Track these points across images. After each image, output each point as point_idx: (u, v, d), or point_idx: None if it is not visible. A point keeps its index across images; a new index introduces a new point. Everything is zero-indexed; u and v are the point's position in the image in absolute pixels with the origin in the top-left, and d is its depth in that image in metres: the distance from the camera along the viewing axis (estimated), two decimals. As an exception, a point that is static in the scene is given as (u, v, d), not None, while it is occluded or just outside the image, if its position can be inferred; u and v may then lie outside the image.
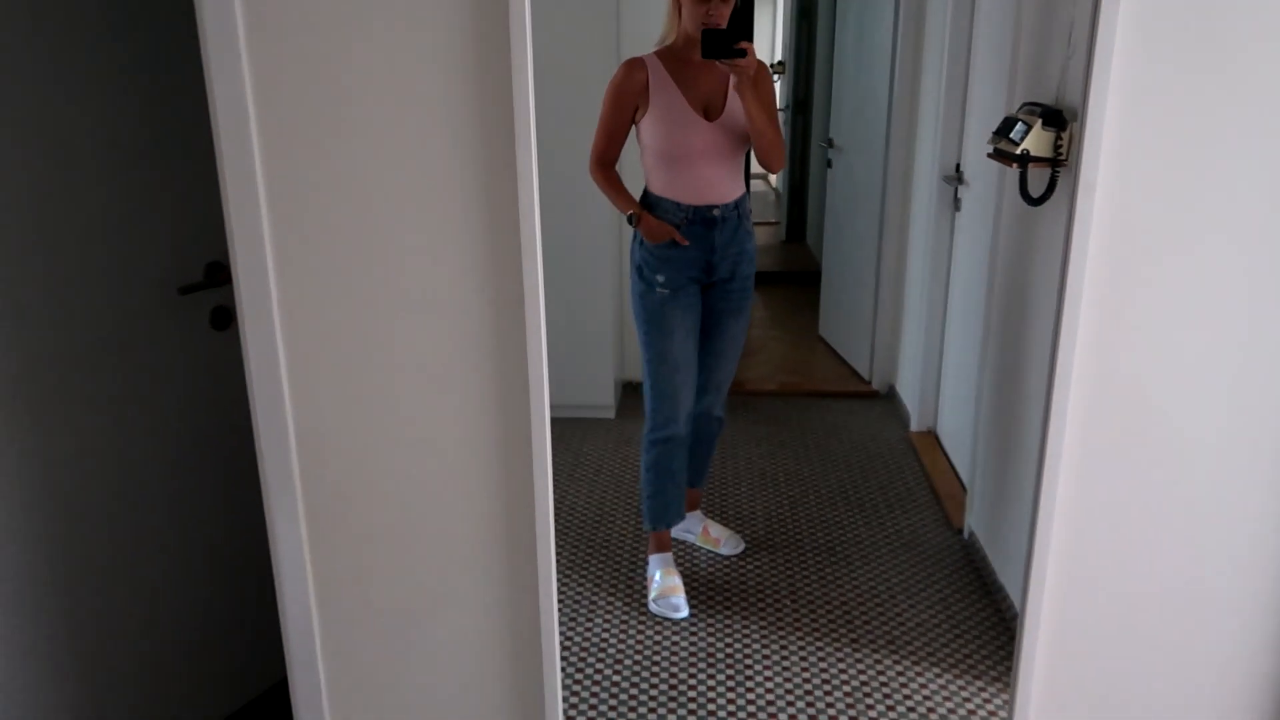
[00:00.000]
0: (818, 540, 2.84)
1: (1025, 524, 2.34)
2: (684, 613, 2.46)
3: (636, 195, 2.42)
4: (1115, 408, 1.74)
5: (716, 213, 2.34)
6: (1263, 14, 1.55)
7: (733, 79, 2.24)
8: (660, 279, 2.38)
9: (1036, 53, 2.33)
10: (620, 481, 3.25)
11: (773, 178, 9.33)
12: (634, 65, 2.30)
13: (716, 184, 2.33)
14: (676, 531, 2.82)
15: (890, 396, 4.02)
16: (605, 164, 2.39)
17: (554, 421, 3.73)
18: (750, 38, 2.17)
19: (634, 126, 2.36)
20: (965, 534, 2.86)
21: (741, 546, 2.78)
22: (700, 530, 2.82)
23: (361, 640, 1.77)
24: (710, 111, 2.30)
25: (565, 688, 2.21)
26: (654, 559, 2.58)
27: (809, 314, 5.10)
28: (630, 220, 2.39)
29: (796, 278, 6.01)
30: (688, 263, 2.37)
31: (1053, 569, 1.85)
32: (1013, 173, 2.37)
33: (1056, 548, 1.83)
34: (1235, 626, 1.85)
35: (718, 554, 2.76)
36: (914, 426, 3.63)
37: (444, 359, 1.62)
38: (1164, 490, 1.79)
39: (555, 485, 3.23)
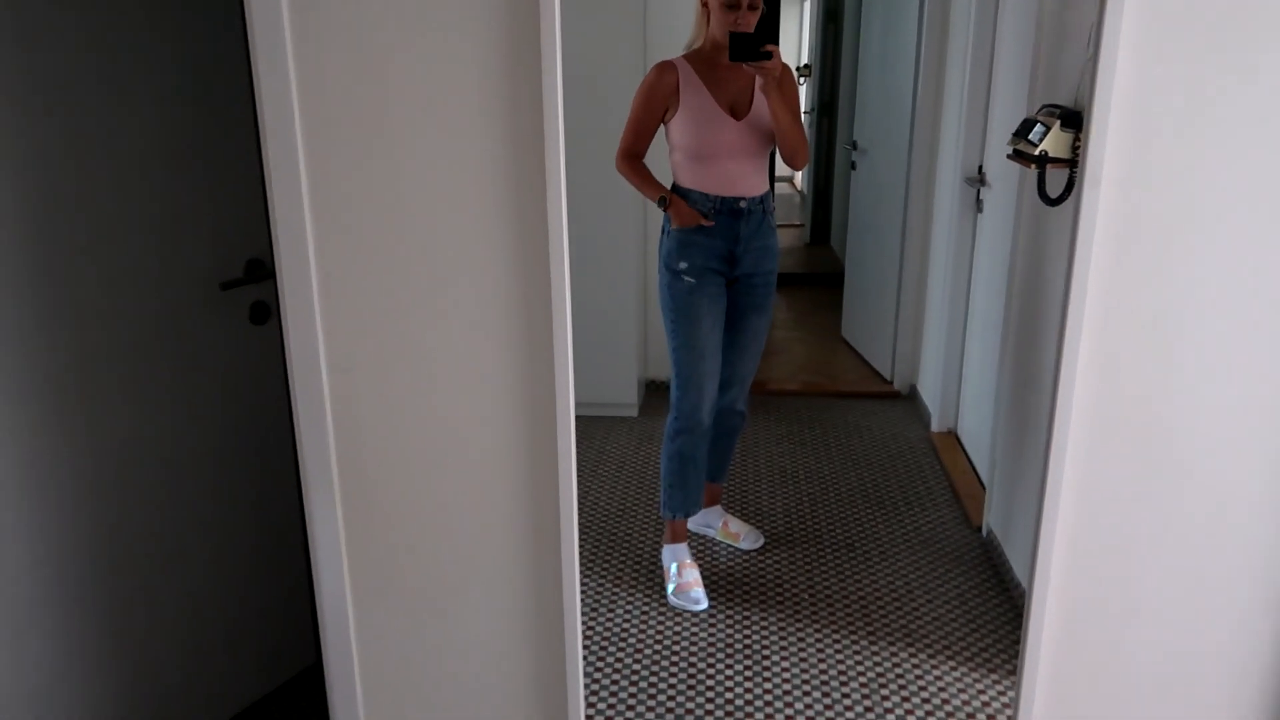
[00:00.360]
0: (836, 536, 2.88)
1: (1031, 519, 2.36)
2: (704, 605, 2.51)
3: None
4: (1121, 402, 1.78)
5: (744, 204, 2.43)
6: (1271, 9, 1.58)
7: (759, 80, 2.32)
8: (684, 265, 2.45)
9: (1056, 55, 2.36)
10: (642, 478, 3.30)
11: (798, 179, 9.35)
12: (665, 67, 2.40)
13: (743, 178, 2.42)
14: (696, 525, 2.88)
15: (912, 397, 4.04)
16: (632, 157, 2.48)
17: (578, 419, 3.79)
18: (776, 41, 2.30)
19: (662, 126, 2.46)
20: (984, 532, 2.88)
21: (761, 541, 2.82)
22: (720, 525, 2.86)
23: (392, 626, 1.84)
24: (737, 111, 2.39)
25: (587, 675, 2.27)
26: (669, 549, 2.64)
27: (832, 315, 5.13)
28: (661, 204, 2.47)
29: (820, 279, 6.03)
30: (712, 251, 2.45)
31: (1058, 561, 1.88)
32: (1032, 174, 2.40)
33: (1062, 541, 1.86)
34: (1238, 621, 1.88)
35: (737, 548, 2.81)
36: (935, 427, 3.65)
37: (475, 357, 1.69)
38: (1169, 486, 1.82)
39: (579, 481, 3.29)
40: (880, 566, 2.71)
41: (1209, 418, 1.78)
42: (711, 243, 2.44)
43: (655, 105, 2.41)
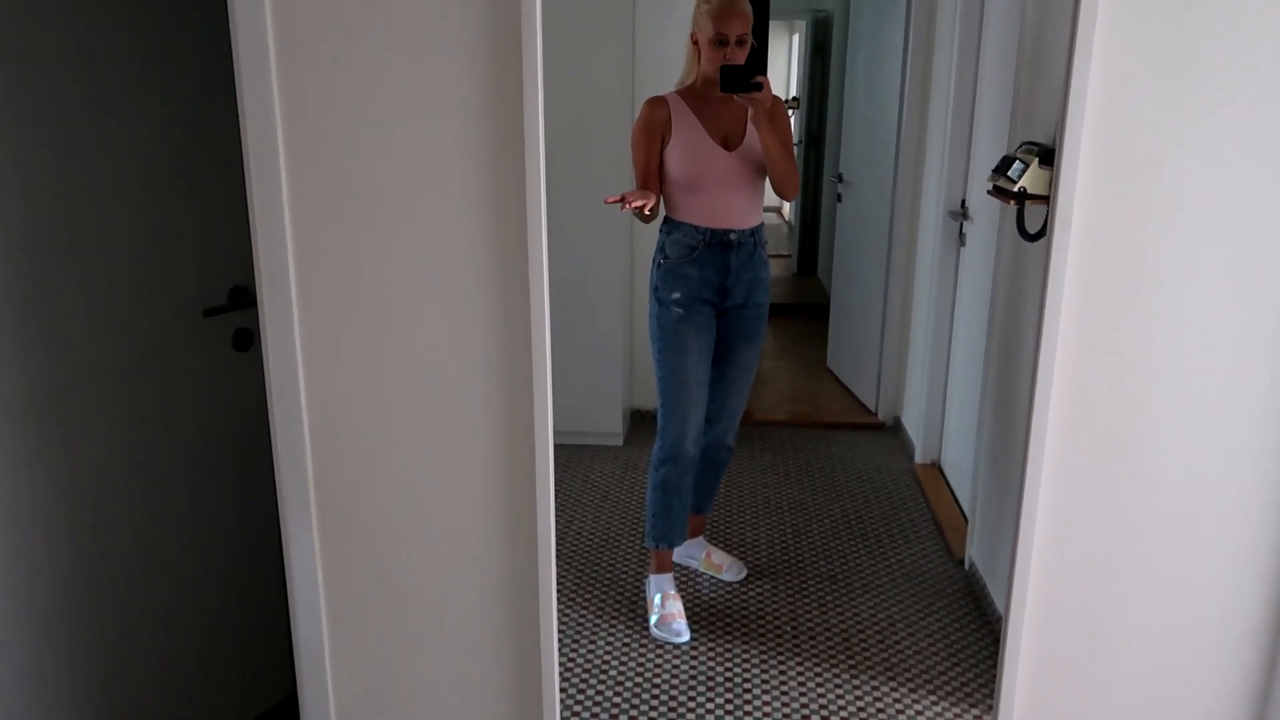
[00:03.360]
0: (820, 569, 2.88)
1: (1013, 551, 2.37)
2: (685, 637, 2.49)
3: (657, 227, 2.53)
4: (1092, 435, 1.80)
5: (733, 237, 2.45)
6: (1239, 51, 1.62)
7: (750, 111, 2.36)
8: (675, 296, 2.46)
9: (1034, 93, 2.40)
10: (626, 508, 3.30)
11: (786, 210, 9.43)
12: (656, 102, 2.46)
13: (734, 210, 2.45)
14: (679, 556, 2.87)
15: (896, 429, 4.06)
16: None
17: (563, 448, 3.81)
18: (764, 73, 2.35)
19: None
20: (966, 564, 2.89)
21: (744, 573, 2.82)
22: (703, 556, 2.85)
23: (369, 655, 1.82)
24: (730, 142, 2.43)
25: (566, 708, 2.25)
26: (654, 579, 2.63)
27: (818, 346, 5.16)
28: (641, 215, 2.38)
29: (807, 310, 6.07)
30: (702, 282, 2.46)
31: (1034, 588, 1.89)
32: (1012, 209, 2.43)
33: (1038, 569, 1.88)
34: (1215, 644, 1.89)
35: (720, 579, 2.80)
36: (918, 459, 3.67)
37: (454, 387, 1.69)
38: (1142, 515, 1.84)
39: (562, 510, 3.30)
40: (863, 599, 2.71)
41: (1180, 448, 1.80)
42: (702, 274, 2.46)
43: (654, 135, 2.44)
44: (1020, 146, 2.28)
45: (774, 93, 2.33)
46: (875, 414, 4.17)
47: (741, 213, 2.46)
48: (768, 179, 2.48)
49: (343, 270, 1.62)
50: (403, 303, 1.63)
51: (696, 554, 2.87)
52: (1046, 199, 2.12)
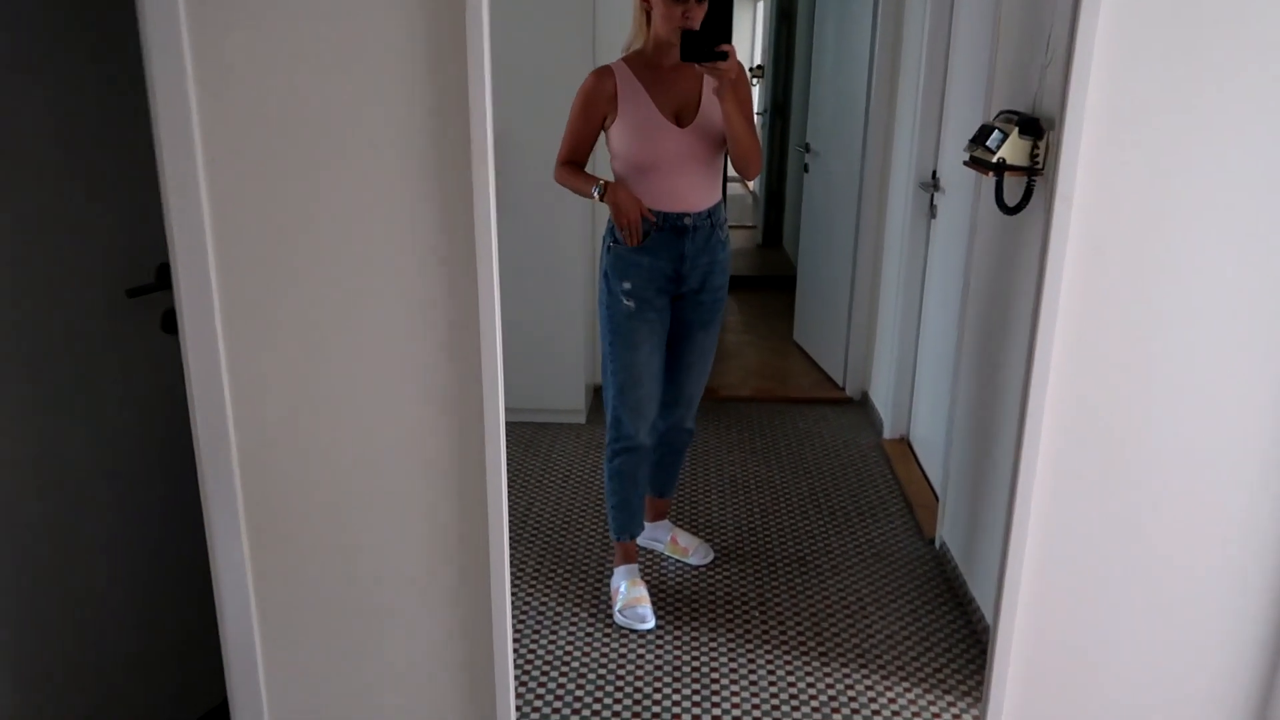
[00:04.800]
0: (788, 550, 2.80)
1: (997, 535, 2.32)
2: (650, 623, 2.41)
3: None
4: (1089, 422, 1.72)
5: (688, 221, 2.27)
6: (1247, 21, 1.53)
7: (709, 83, 2.17)
8: (626, 286, 2.30)
9: (1014, 60, 2.30)
10: (589, 488, 3.20)
11: (751, 181, 9.31)
12: (602, 74, 2.23)
13: (688, 192, 2.26)
14: (644, 540, 2.77)
15: (864, 403, 3.99)
16: (569, 166, 2.32)
17: (523, 426, 3.70)
18: (729, 40, 2.11)
19: (604, 133, 2.30)
20: (937, 544, 2.83)
21: (710, 556, 2.74)
22: (669, 539, 2.77)
23: (305, 659, 1.71)
24: (682, 118, 2.23)
25: (526, 702, 2.16)
26: (620, 570, 2.54)
27: (784, 319, 5.08)
28: (600, 194, 2.26)
29: (773, 282, 5.98)
30: (656, 271, 2.29)
31: (1026, 586, 1.81)
32: (989, 181, 2.35)
33: (1030, 565, 1.80)
34: (1209, 644, 1.83)
35: (686, 563, 2.72)
36: (887, 434, 3.61)
37: (394, 367, 1.56)
38: (1139, 506, 1.76)
39: (521, 492, 3.20)
40: (832, 581, 2.64)
41: (1182, 442, 1.72)
42: (654, 262, 2.29)
43: (592, 114, 2.24)
44: (999, 115, 2.19)
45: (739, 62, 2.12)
46: (843, 388, 4.10)
47: (697, 194, 2.27)
48: (727, 155, 2.30)
49: (269, 245, 1.48)
50: (337, 282, 1.50)
51: (661, 537, 2.78)
52: (1026, 170, 2.04)
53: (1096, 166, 1.58)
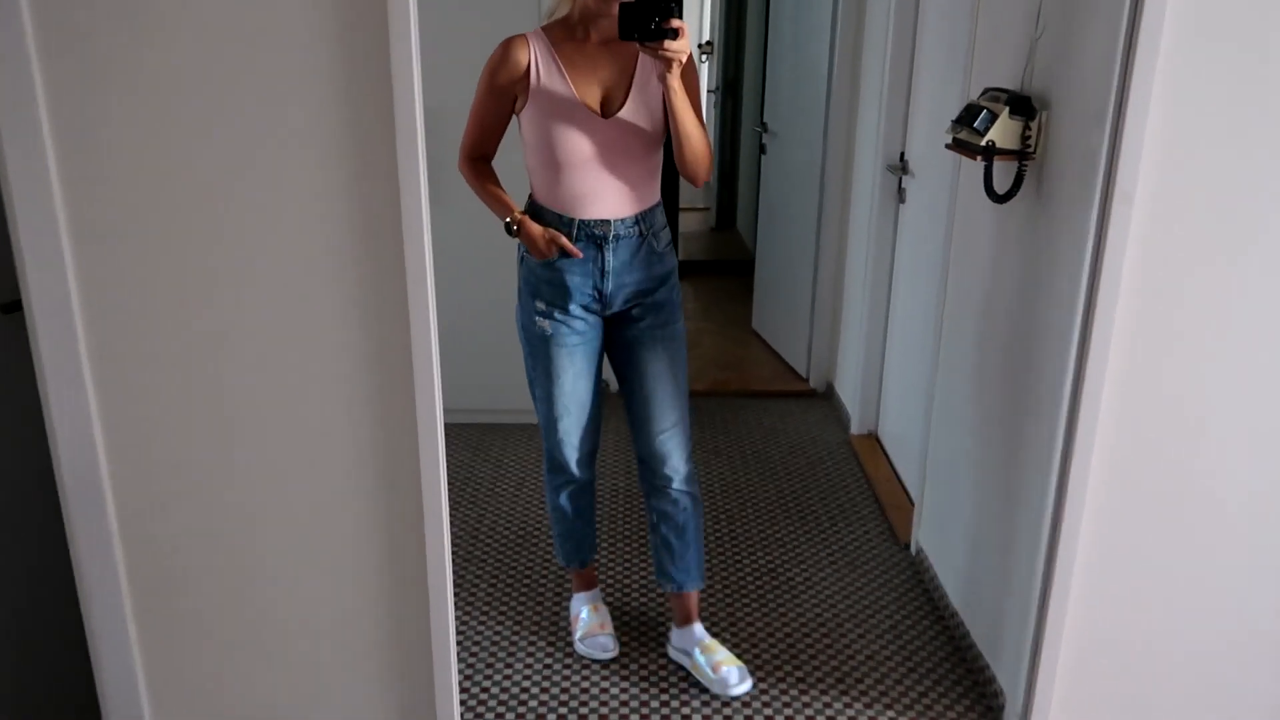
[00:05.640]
0: (758, 561, 2.63)
1: (977, 543, 2.16)
2: (613, 652, 2.21)
3: (520, 201, 1.99)
4: (1144, 445, 1.57)
5: (608, 230, 1.89)
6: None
7: (647, 64, 1.82)
8: (540, 305, 1.96)
9: (997, 32, 2.12)
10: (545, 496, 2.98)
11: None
12: (514, 45, 1.83)
13: (608, 195, 1.88)
14: (674, 654, 2.20)
15: (829, 395, 3.83)
16: (475, 159, 1.97)
17: (469, 428, 3.47)
18: (679, 14, 1.76)
19: (515, 118, 1.93)
20: (913, 549, 2.68)
21: (748, 683, 2.08)
22: (696, 651, 2.13)
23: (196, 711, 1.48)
24: (607, 105, 1.85)
25: (480, 749, 1.95)
26: (577, 597, 2.32)
27: (741, 305, 4.90)
28: (509, 229, 1.93)
29: (727, 266, 5.80)
30: (572, 288, 1.93)
31: (1068, 635, 1.66)
32: (969, 164, 2.17)
33: (1072, 628, 1.65)
34: (1270, 687, 1.70)
35: (647, 588, 2.52)
36: (854, 429, 3.45)
37: (306, 365, 1.34)
38: (1192, 552, 1.63)
39: (471, 503, 2.97)
40: (806, 595, 2.47)
41: (1239, 480, 1.58)
42: (568, 280, 1.92)
43: (500, 94, 1.86)
44: (984, 93, 2.01)
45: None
46: (806, 380, 3.94)
47: (621, 197, 1.88)
48: (668, 153, 1.91)
49: (143, 249, 1.24)
50: (237, 300, 1.27)
51: (688, 648, 2.16)
52: (1018, 154, 1.86)
53: (1161, 162, 1.40)
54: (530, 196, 1.97)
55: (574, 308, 1.95)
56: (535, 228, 1.90)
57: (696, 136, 1.85)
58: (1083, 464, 1.67)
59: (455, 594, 2.45)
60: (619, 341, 2.02)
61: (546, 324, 1.96)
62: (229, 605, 1.44)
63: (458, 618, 2.37)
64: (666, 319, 2.00)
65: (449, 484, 3.01)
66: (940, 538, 2.49)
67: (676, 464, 2.04)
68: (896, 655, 2.24)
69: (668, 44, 1.66)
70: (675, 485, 2.05)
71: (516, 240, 1.96)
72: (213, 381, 1.33)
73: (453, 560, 2.59)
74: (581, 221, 1.89)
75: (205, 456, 1.36)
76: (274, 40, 1.20)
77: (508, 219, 1.93)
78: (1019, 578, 1.93)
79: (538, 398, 2.05)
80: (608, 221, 1.89)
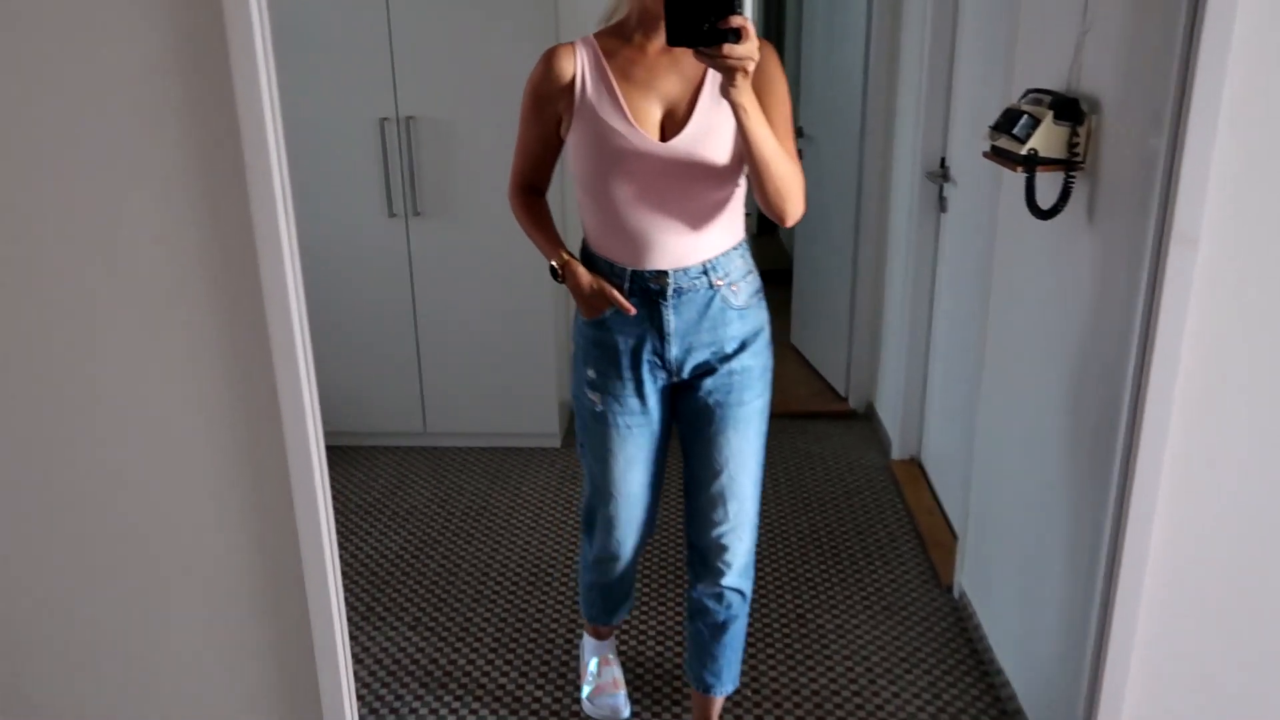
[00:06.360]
0: (786, 604, 2.43)
1: (1029, 591, 1.93)
2: (626, 713, 2.04)
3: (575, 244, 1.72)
4: (1206, 507, 1.36)
5: (664, 284, 1.56)
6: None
7: (716, 78, 1.42)
8: (590, 374, 1.66)
9: (1041, 27, 1.91)
10: (563, 527, 2.83)
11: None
12: (557, 54, 1.53)
13: (665, 239, 1.54)
14: None
15: (869, 416, 3.61)
16: (525, 192, 1.69)
17: (488, 453, 3.32)
18: (740, 10, 1.30)
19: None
20: (956, 593, 2.46)
21: None
22: None
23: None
24: (668, 127, 1.52)
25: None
26: (588, 644, 2.15)
27: (780, 317, 4.68)
28: (554, 273, 1.65)
29: (766, 276, 5.54)
30: (626, 354, 1.62)
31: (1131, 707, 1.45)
32: (1012, 173, 1.95)
33: (1136, 677, 1.44)
34: None
35: (666, 634, 2.34)
36: (895, 454, 3.23)
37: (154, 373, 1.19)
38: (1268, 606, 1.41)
39: (485, 535, 2.81)
40: (837, 646, 2.27)
41: None
42: (623, 343, 1.61)
43: (544, 114, 1.57)
44: (1025, 96, 1.80)
45: (761, 39, 1.37)
46: (846, 399, 3.72)
47: (681, 243, 1.55)
48: (744, 182, 1.58)
49: None
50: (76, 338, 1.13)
51: None
52: (1063, 163, 1.65)
53: (1230, 195, 1.20)
54: (583, 244, 1.67)
55: (629, 380, 1.63)
56: (583, 275, 1.60)
57: (780, 166, 1.46)
58: (1143, 512, 1.46)
59: (460, 636, 2.31)
60: (684, 412, 1.69)
61: (597, 397, 1.65)
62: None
63: (462, 660, 2.22)
64: (746, 394, 1.65)
65: (463, 515, 2.88)
66: (985, 581, 2.27)
67: (734, 557, 1.73)
68: (935, 716, 2.03)
69: (728, 49, 1.29)
70: (727, 580, 1.74)
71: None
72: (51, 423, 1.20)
73: (461, 599, 2.45)
74: (634, 272, 1.57)
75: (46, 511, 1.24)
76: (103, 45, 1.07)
77: (553, 262, 1.65)
78: (1072, 637, 1.71)
79: (586, 476, 1.78)
80: (664, 273, 1.56)
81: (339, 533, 2.80)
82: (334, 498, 2.99)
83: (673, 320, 1.59)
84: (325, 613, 1.40)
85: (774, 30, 6.30)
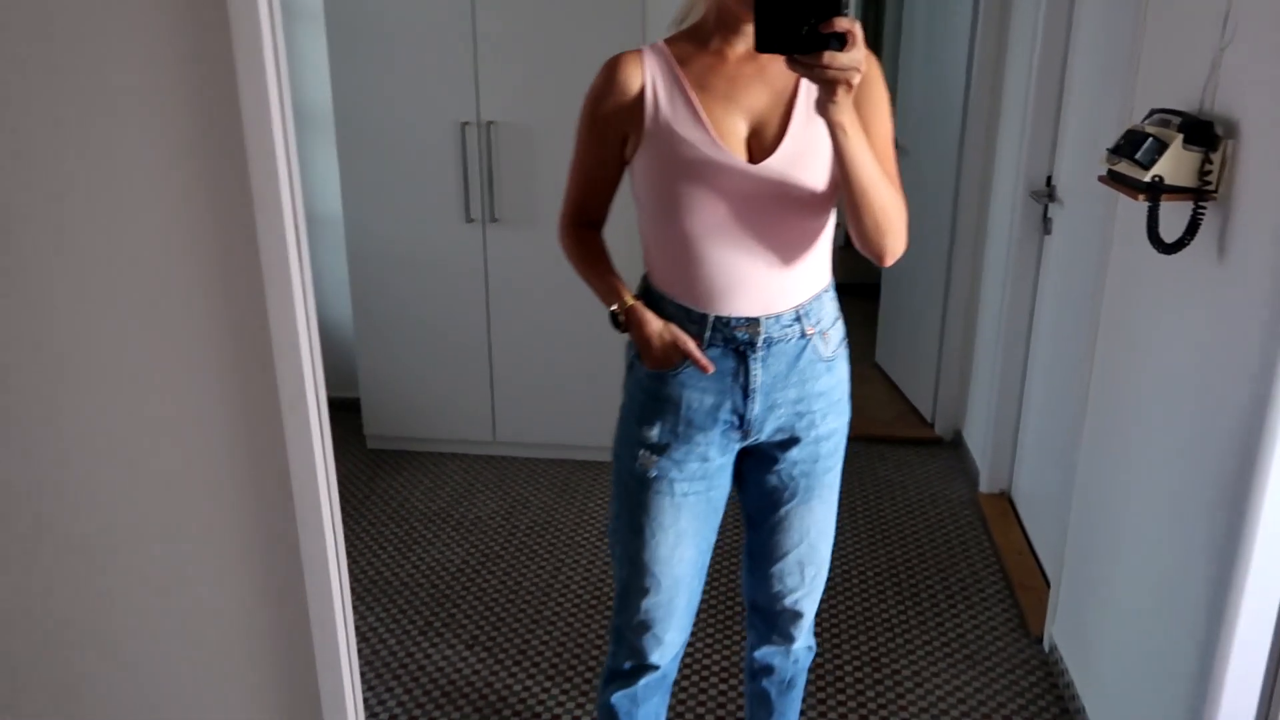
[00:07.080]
0: (859, 648, 2.29)
1: (1122, 648, 1.74)
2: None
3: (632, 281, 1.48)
4: None
5: (755, 333, 1.35)
6: None
7: (812, 91, 1.19)
8: (648, 434, 1.40)
9: (1169, 40, 1.73)
10: (627, 550, 2.73)
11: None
12: (622, 64, 1.31)
13: (757, 280, 1.33)
14: None
15: (956, 445, 3.42)
16: (578, 225, 1.48)
17: (556, 465, 3.25)
18: (843, 11, 1.06)
19: (627, 169, 1.40)
20: (1046, 645, 2.28)
21: None
22: None
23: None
24: (756, 147, 1.30)
25: None
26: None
27: (865, 334, 4.51)
28: (615, 321, 1.43)
29: (853, 289, 5.36)
30: (699, 413, 1.39)
31: None
32: (1129, 199, 1.78)
33: None
34: None
35: (711, 678, 2.23)
36: (984, 487, 3.04)
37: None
38: None
39: (549, 554, 2.73)
40: (912, 694, 2.12)
41: None
42: (696, 400, 1.38)
43: (603, 133, 1.35)
44: (1150, 116, 1.63)
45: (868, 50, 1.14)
46: (932, 425, 3.54)
47: (774, 284, 1.34)
48: (838, 214, 1.36)
49: None
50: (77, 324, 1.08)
51: None
52: (1193, 192, 1.48)
53: None
54: (644, 278, 1.45)
55: (700, 442, 1.39)
56: (653, 322, 1.37)
57: (881, 195, 1.26)
58: (1262, 585, 1.30)
59: (518, 660, 2.24)
60: (758, 480, 1.48)
61: (652, 461, 1.39)
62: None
63: (519, 687, 2.15)
64: (832, 459, 1.47)
65: (527, 529, 2.81)
66: (1080, 634, 2.09)
67: (807, 620, 1.58)
68: (1019, 786, 1.87)
69: (829, 57, 1.08)
70: (799, 643, 1.60)
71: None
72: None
73: (521, 619, 2.39)
74: (718, 319, 1.35)
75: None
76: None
77: (614, 307, 1.42)
78: (1179, 711, 1.54)
79: (616, 555, 1.50)
80: (756, 321, 1.34)
81: (403, 540, 2.77)
82: (400, 504, 2.97)
83: (761, 374, 1.37)
84: (327, 615, 1.34)
85: (871, 32, 6.11)
